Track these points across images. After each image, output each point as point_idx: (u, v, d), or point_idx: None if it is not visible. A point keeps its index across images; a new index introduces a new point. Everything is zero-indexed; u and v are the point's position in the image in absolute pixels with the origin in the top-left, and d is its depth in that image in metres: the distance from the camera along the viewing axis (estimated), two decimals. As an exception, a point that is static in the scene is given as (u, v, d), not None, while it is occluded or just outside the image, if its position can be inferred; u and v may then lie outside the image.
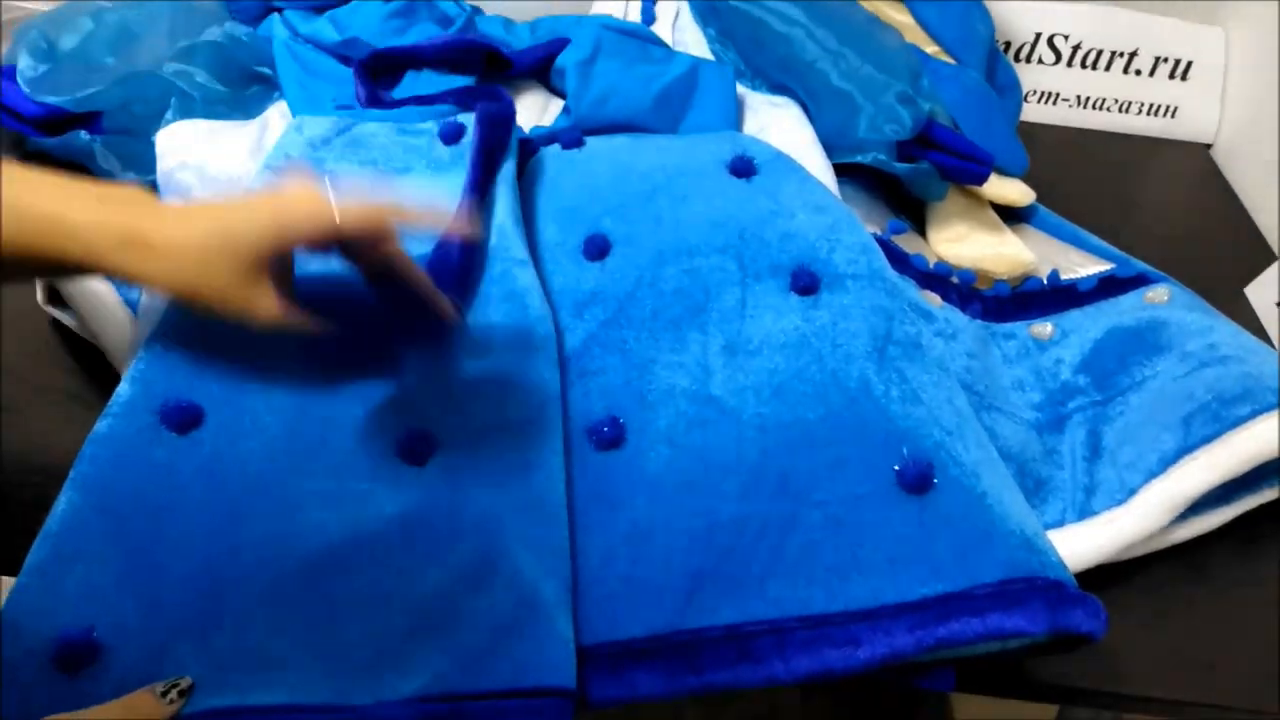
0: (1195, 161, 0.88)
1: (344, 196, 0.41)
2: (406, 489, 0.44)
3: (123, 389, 0.46)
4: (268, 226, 0.40)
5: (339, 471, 0.44)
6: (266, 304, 0.41)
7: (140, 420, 0.45)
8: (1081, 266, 0.67)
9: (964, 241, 0.68)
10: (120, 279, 0.46)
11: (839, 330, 0.50)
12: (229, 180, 0.60)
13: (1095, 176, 0.85)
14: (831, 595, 0.43)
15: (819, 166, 0.63)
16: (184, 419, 0.45)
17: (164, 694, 0.37)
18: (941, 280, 0.64)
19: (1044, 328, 0.63)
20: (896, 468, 0.45)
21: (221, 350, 0.48)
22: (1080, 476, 0.54)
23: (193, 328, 0.48)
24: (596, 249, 0.55)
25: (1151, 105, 0.89)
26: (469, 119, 0.58)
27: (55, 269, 0.44)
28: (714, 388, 0.49)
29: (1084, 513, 0.52)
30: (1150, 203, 0.84)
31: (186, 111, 0.69)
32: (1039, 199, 0.71)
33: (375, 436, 0.45)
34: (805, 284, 0.52)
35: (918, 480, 0.45)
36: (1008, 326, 0.64)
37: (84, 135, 0.67)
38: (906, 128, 0.63)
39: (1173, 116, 0.89)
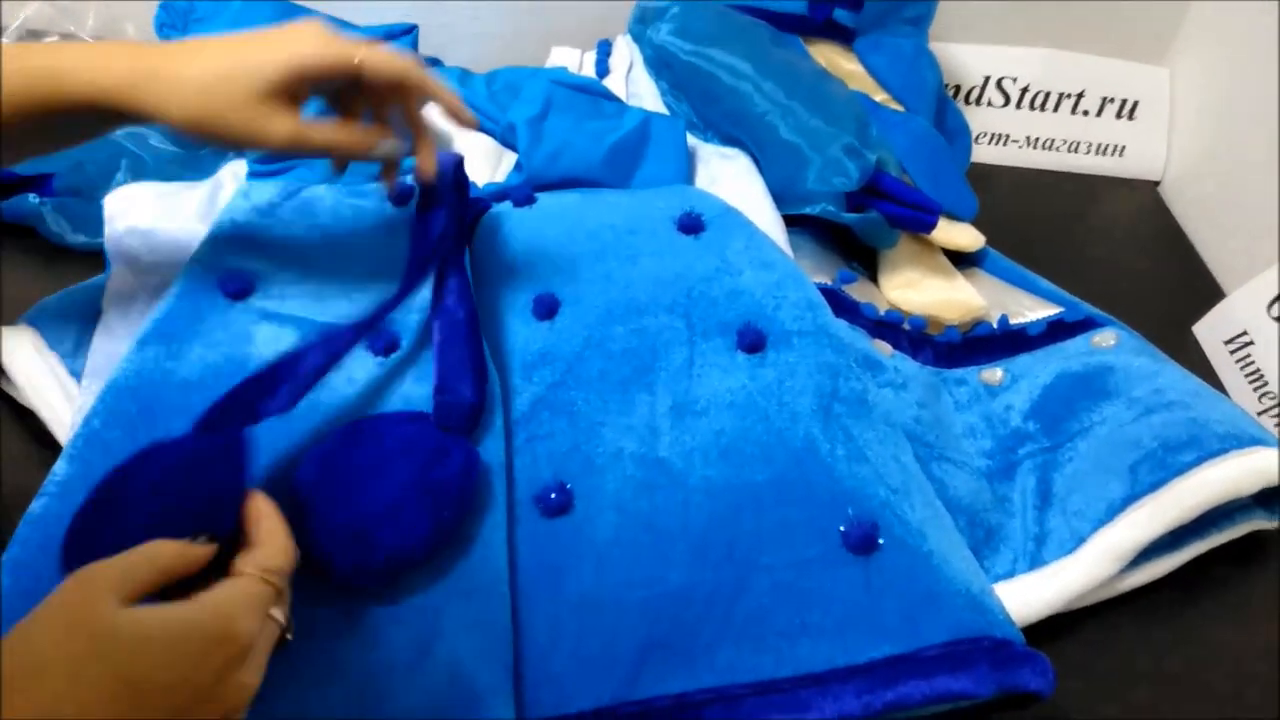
0: (1144, 198, 0.90)
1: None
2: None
3: (59, 467, 0.46)
4: (280, 54, 0.42)
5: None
6: (279, 125, 0.43)
7: (77, 502, 0.44)
8: (1031, 310, 0.67)
9: (915, 288, 0.69)
10: (133, 117, 0.44)
11: (785, 388, 0.50)
12: (176, 245, 0.60)
13: (1046, 216, 0.86)
14: (780, 660, 0.43)
15: (768, 219, 0.63)
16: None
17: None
18: (892, 328, 0.65)
19: (994, 373, 0.63)
20: (842, 528, 0.45)
21: (164, 424, 0.47)
22: (1031, 525, 0.54)
23: (131, 404, 0.48)
24: (545, 308, 0.55)
25: (1099, 144, 0.90)
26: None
27: (67, 121, 0.44)
28: (661, 449, 0.49)
29: (1035, 562, 0.52)
30: (1100, 241, 0.85)
31: (138, 173, 0.69)
32: (990, 240, 0.72)
33: None
34: (751, 342, 0.52)
35: (863, 541, 0.45)
36: (959, 372, 0.64)
37: (33, 198, 0.67)
38: (853, 179, 0.64)
39: (1121, 155, 0.91)
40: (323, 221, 0.57)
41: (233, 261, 0.54)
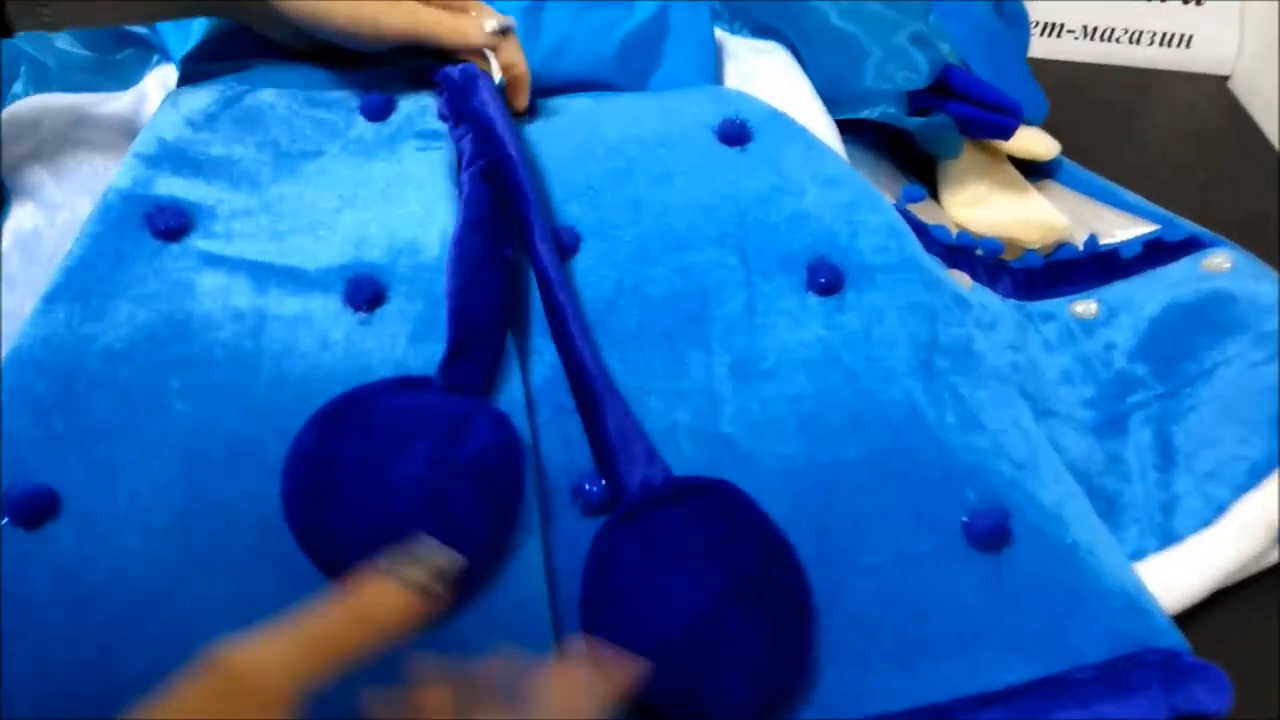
0: (1212, 94, 0.79)
1: None
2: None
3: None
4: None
5: (247, 573, 0.34)
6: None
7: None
8: (1121, 229, 0.57)
9: (985, 205, 0.58)
10: None
11: (873, 339, 0.40)
12: (91, 174, 0.48)
13: (1102, 114, 0.76)
14: (891, 689, 0.34)
15: (821, 125, 0.52)
16: (34, 509, 0.34)
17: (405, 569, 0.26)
18: (966, 254, 0.55)
19: (1087, 305, 0.54)
20: (964, 519, 0.36)
21: (86, 410, 0.36)
22: (1154, 491, 0.46)
23: (39, 382, 0.36)
24: (562, 245, 0.44)
25: (1164, 34, 0.80)
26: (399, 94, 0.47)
27: None
28: (724, 423, 0.39)
29: (1167, 537, 0.44)
30: (1166, 142, 0.75)
31: (41, 83, 0.56)
32: (1050, 146, 0.62)
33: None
34: (826, 280, 0.42)
35: (991, 534, 0.35)
36: (1044, 305, 0.55)
37: (-89, 119, 0.54)
38: (923, 75, 0.53)
39: (1187, 46, 0.80)
40: (276, 136, 0.45)
41: (163, 191, 0.42)
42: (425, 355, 0.38)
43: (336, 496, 0.33)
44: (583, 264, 0.43)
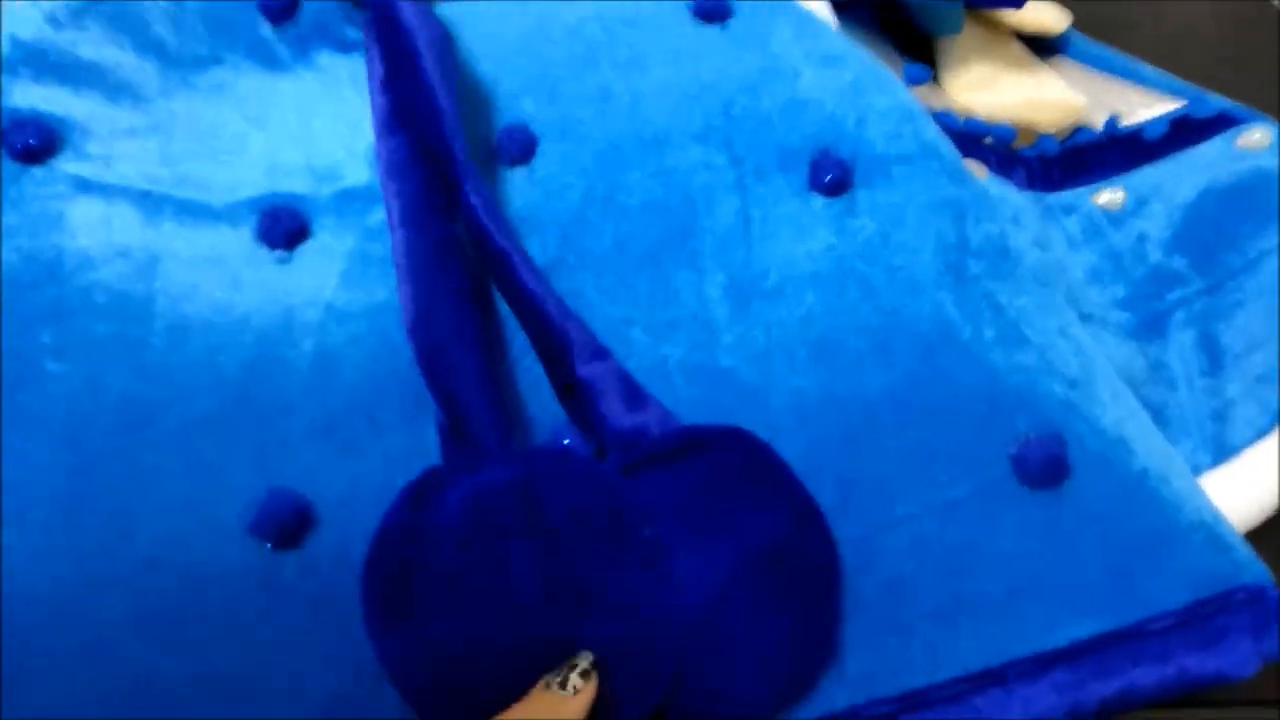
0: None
1: None
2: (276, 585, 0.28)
3: None
4: None
5: (149, 569, 0.27)
6: None
7: None
8: (1144, 107, 0.51)
9: (991, 88, 0.52)
10: None
11: (892, 245, 0.34)
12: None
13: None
14: (934, 660, 0.29)
15: (810, -2, 0.45)
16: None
17: (561, 684, 0.26)
18: (975, 141, 0.49)
19: (1113, 194, 0.48)
20: (1012, 452, 0.30)
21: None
22: (1203, 399, 0.40)
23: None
24: (517, 147, 0.37)
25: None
26: None
27: None
28: (722, 355, 0.33)
29: (1222, 450, 0.39)
30: (1189, 10, 0.68)
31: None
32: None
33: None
34: (832, 178, 0.35)
35: (1046, 467, 0.30)
36: (1064, 196, 0.49)
37: None
38: (923, -67, 0.46)
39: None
40: (160, 37, 0.37)
41: (21, 102, 0.34)
42: (363, 299, 0.32)
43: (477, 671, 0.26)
44: (542, 170, 0.36)
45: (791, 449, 0.30)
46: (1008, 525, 0.30)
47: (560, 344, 0.31)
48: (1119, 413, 0.32)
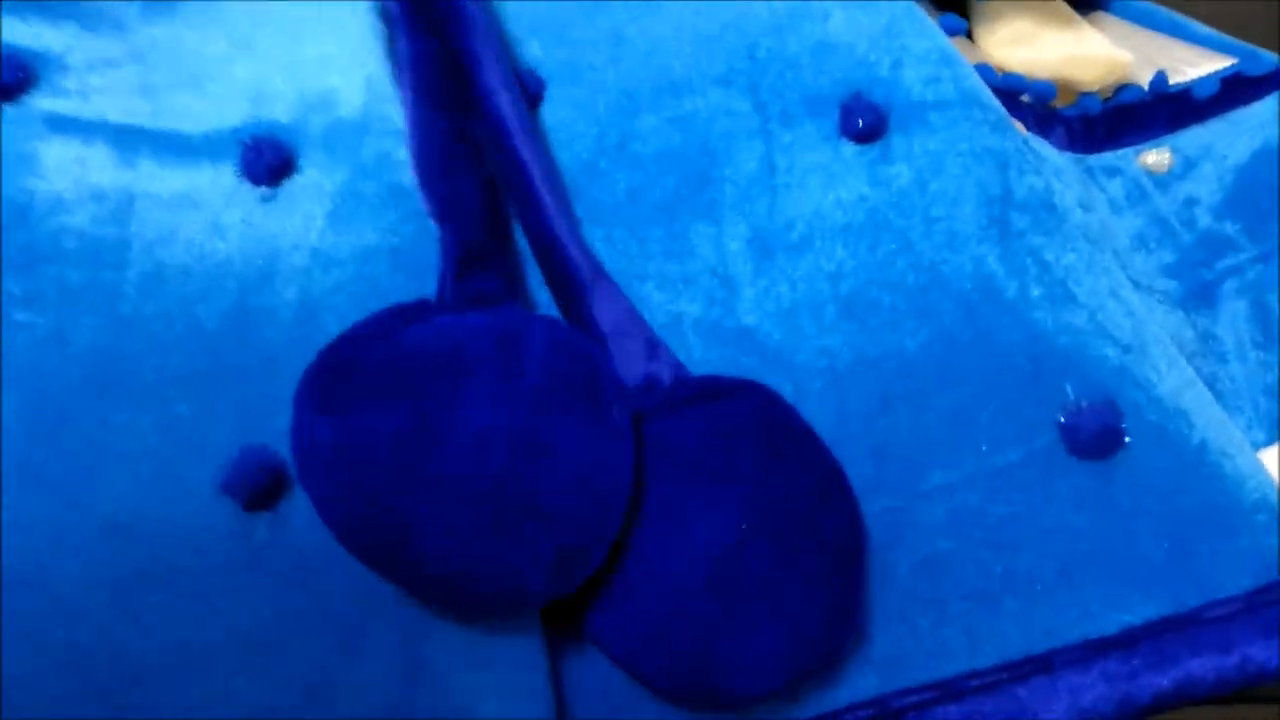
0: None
1: None
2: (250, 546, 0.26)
3: None
4: None
5: (115, 531, 0.25)
6: None
7: None
8: (1192, 65, 0.48)
9: (1030, 43, 0.49)
10: None
11: (931, 195, 0.31)
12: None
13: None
14: (974, 644, 0.26)
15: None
16: None
17: None
18: (1011, 98, 0.46)
19: (1160, 155, 0.45)
20: (1061, 419, 0.28)
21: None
22: (1256, 372, 0.38)
23: None
24: (525, 92, 0.34)
25: None
26: None
27: None
28: (744, 313, 0.30)
29: (1277, 427, 0.36)
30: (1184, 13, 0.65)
31: None
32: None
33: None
34: (865, 124, 0.33)
35: (1098, 437, 0.28)
36: (1106, 158, 0.46)
37: None
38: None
39: None
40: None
41: (-9, 38, 0.32)
42: (351, 242, 0.29)
43: (399, 488, 0.24)
44: (550, 117, 0.34)
45: (819, 414, 0.28)
46: (1055, 498, 0.27)
47: (572, 277, 0.29)
48: (1175, 381, 0.29)
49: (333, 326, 0.27)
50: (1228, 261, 0.41)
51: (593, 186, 0.32)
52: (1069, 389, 0.28)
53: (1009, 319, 0.29)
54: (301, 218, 0.29)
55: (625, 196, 0.32)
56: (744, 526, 0.25)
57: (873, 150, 0.32)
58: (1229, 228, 0.41)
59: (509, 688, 0.25)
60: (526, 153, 0.30)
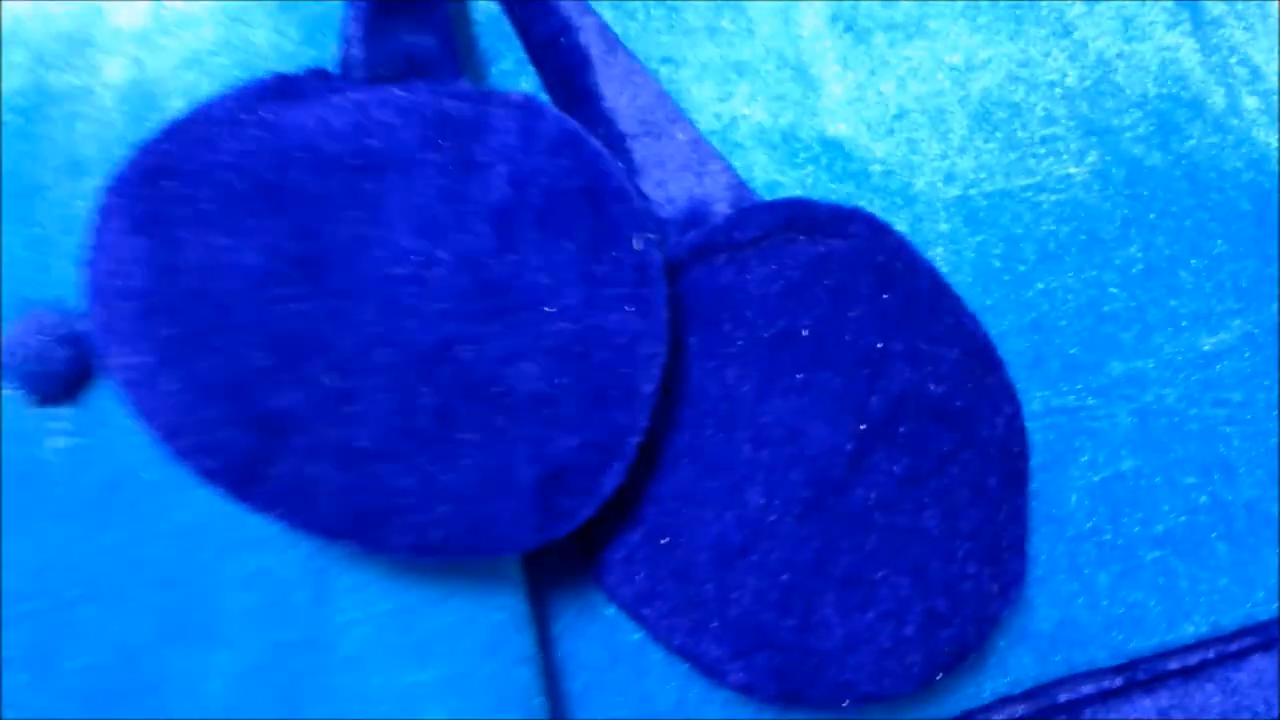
0: None
1: None
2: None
3: None
4: None
5: None
6: None
7: None
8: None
9: None
10: None
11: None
12: None
13: None
14: (1173, 605, 0.18)
15: None
16: None
17: None
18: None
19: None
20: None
21: None
22: None
23: None
24: None
25: None
26: None
27: None
28: (829, 117, 0.20)
29: None
30: None
31: None
32: None
33: None
34: None
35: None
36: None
37: None
38: None
39: None
40: None
41: None
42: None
43: (265, 359, 0.14)
44: None
45: (948, 268, 0.18)
46: (1285, 399, 0.19)
47: (569, 47, 0.18)
48: None
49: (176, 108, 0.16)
50: None
51: None
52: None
53: (1219, 135, 0.20)
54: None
55: None
56: (861, 430, 0.16)
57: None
58: None
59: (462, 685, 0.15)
60: None
